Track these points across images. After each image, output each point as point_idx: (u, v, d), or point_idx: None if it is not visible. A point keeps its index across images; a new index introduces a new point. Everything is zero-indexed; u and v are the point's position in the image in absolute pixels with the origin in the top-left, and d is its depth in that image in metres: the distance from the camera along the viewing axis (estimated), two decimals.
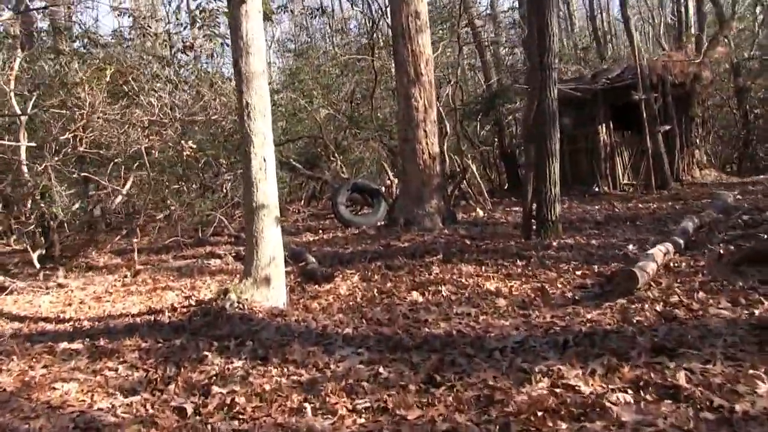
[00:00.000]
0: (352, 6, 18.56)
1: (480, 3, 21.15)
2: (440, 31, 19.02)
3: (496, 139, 21.69)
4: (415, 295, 6.70)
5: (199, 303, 7.21)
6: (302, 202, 20.66)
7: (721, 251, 6.99)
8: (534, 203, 9.28)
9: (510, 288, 6.60)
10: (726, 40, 18.21)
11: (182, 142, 9.87)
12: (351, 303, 6.65)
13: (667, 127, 16.24)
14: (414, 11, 11.09)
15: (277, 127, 21.04)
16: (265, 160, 6.08)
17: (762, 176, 17.63)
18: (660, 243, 7.13)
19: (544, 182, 9.06)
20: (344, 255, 9.92)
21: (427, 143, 11.28)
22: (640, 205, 12.98)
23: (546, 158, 9.04)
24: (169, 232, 13.69)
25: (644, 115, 15.39)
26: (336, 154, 16.22)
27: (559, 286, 6.54)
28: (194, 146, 10.01)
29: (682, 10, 24.50)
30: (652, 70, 16.11)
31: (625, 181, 17.42)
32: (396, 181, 13.93)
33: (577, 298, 5.97)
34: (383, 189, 14.20)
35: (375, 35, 16.41)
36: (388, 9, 12.32)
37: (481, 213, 13.11)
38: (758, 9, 22.87)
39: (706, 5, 19.42)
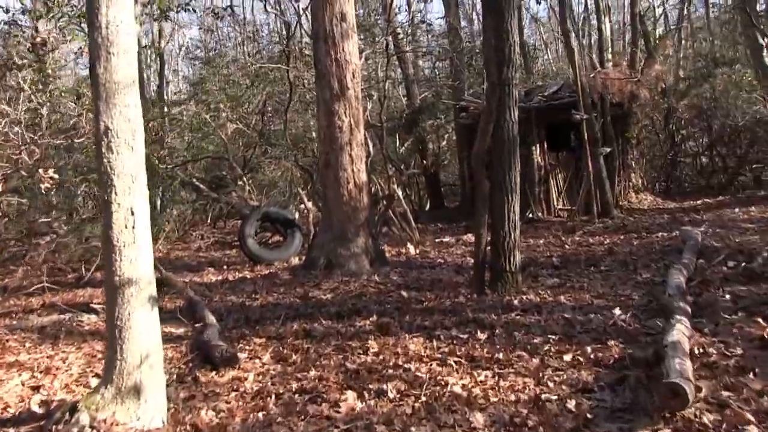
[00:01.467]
0: (265, 8, 16.34)
1: (399, 10, 19.13)
2: (361, 41, 17.18)
3: (418, 157, 19.94)
4: (351, 398, 4.69)
5: (46, 404, 5.03)
6: (207, 222, 18.44)
7: (750, 328, 5.29)
8: (486, 248, 7.46)
9: (484, 389, 4.68)
10: (661, 57, 16.95)
11: (39, 170, 7.52)
12: (261, 413, 4.59)
13: (608, 150, 14.80)
14: (339, 12, 9.15)
15: (183, 141, 19.14)
16: (133, 212, 3.97)
17: (698, 201, 16.48)
18: (672, 316, 5.37)
19: (502, 224, 7.26)
20: (252, 310, 7.89)
21: (353, 170, 9.34)
22: (590, 240, 11.41)
23: (504, 195, 7.25)
24: (40, 270, 11.30)
25: (585, 136, 13.88)
26: (243, 177, 14.03)
27: (550, 384, 4.67)
28: (55, 175, 7.69)
29: (603, 27, 23.52)
30: (593, 88, 14.64)
31: (560, 206, 15.94)
32: (312, 207, 11.90)
33: (588, 415, 4.09)
34: (298, 217, 12.14)
35: (290, 42, 14.37)
36: (308, 12, 10.26)
37: (412, 250, 11.21)
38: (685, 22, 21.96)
39: (641, 21, 18.19)
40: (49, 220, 9.83)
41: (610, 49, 25.36)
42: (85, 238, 12.47)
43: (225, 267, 11.77)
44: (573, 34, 13.87)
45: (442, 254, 11.01)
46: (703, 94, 18.05)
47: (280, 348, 6.12)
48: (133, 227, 3.94)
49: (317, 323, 6.83)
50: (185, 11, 11.80)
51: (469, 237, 12.74)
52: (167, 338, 6.90)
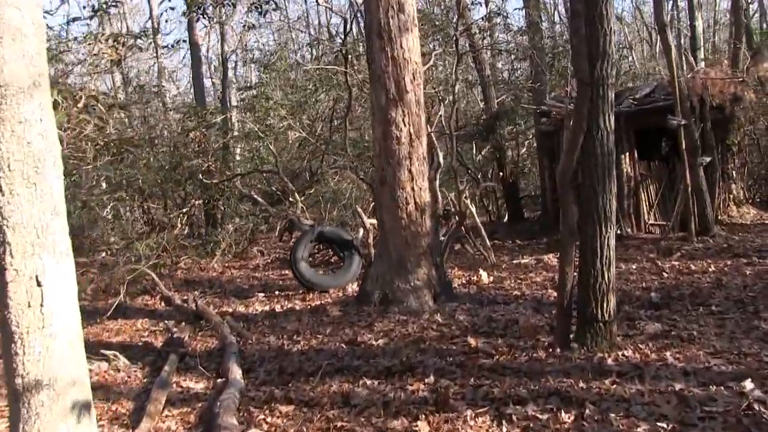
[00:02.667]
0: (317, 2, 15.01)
1: (474, 7, 17.53)
2: (431, 42, 15.75)
3: (495, 166, 18.31)
4: None
5: None
6: (274, 235, 17.26)
7: None
8: (572, 289, 5.92)
9: None
10: None
11: None
12: None
13: (708, 159, 12.93)
14: (396, 2, 7.73)
15: (243, 150, 18.16)
16: (39, 282, 2.61)
17: None
18: None
19: (593, 262, 5.70)
20: (290, 357, 6.59)
21: (413, 188, 7.90)
22: (692, 266, 9.63)
23: (598, 225, 5.69)
24: (84, 292, 10.31)
25: (682, 143, 12.07)
26: (295, 193, 12.74)
27: None
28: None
29: (696, 24, 21.49)
30: (692, 89, 12.79)
31: (652, 221, 14.11)
32: (373, 225, 10.51)
33: None
34: (358, 238, 10.76)
35: (346, 40, 13.03)
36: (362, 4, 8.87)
37: (485, 277, 9.67)
38: None
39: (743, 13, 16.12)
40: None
41: (702, 49, 23.27)
42: (135, 258, 11.49)
43: (277, 292, 10.50)
44: (669, 28, 12.07)
45: (519, 282, 9.44)
46: None
47: (309, 422, 4.75)
48: (41, 305, 2.60)
49: (361, 382, 5.45)
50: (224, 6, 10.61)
51: (551, 258, 11.14)
52: (181, 398, 5.66)
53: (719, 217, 13.97)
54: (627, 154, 13.89)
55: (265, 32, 28.68)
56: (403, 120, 7.81)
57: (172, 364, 6.48)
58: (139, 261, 10.94)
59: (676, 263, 10.03)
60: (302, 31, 23.41)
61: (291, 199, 12.21)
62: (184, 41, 17.81)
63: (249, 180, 16.76)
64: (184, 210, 15.27)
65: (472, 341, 6.29)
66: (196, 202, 15.69)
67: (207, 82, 24.45)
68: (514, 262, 11.56)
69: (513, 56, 17.44)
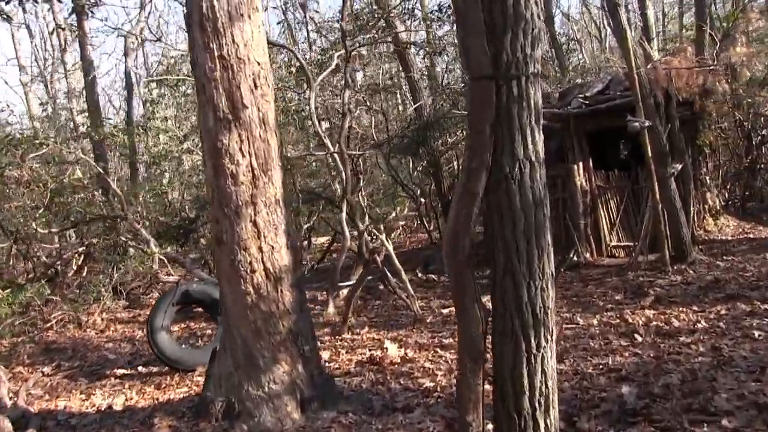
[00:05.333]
0: None
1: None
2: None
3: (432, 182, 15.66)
4: None
5: None
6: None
7: None
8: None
9: None
10: (741, 36, 12.39)
11: None
12: None
13: (679, 167, 10.39)
14: None
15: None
16: None
17: None
18: None
19: (515, 395, 3.04)
20: None
21: (261, 248, 5.16)
22: (673, 319, 7.06)
23: (522, 339, 3.04)
24: None
25: (647, 150, 9.55)
26: (153, 241, 9.92)
27: None
28: None
29: (648, 12, 19.24)
30: (654, 82, 10.22)
31: (614, 243, 11.57)
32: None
33: None
34: None
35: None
36: None
37: (393, 351, 6.95)
38: None
39: None
40: None
41: (655, 40, 20.97)
42: None
43: (140, 369, 7.84)
44: (623, 9, 9.51)
45: (437, 360, 6.73)
46: None
47: None
48: None
49: None
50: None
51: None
52: None
53: (695, 233, 11.46)
54: (580, 164, 11.39)
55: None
56: (241, 148, 5.09)
57: None
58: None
59: (651, 313, 7.46)
60: None
61: (148, 249, 9.34)
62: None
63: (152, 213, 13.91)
64: (78, 251, 12.45)
65: None
66: (91, 242, 12.78)
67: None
68: (444, 311, 8.91)
69: (435, 52, 14.67)
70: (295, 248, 5.47)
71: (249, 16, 5.19)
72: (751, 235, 11.92)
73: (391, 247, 9.39)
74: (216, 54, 5.08)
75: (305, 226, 17.74)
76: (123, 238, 11.17)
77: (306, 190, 15.32)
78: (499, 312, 3.09)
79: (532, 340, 3.03)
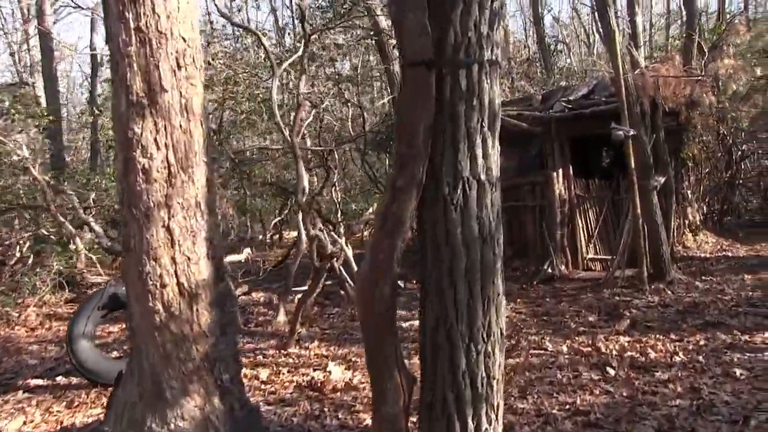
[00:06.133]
0: None
1: None
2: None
3: None
4: None
5: None
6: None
7: None
8: None
9: None
10: (731, 48, 11.63)
11: None
12: None
13: (662, 179, 9.63)
14: None
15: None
16: None
17: None
18: None
19: (451, 427, 2.23)
20: None
21: (174, 259, 4.28)
22: (649, 350, 6.28)
23: (455, 365, 2.20)
24: None
25: (631, 159, 8.78)
26: (77, 238, 8.96)
27: None
28: None
29: (636, 20, 18.45)
30: (641, 90, 9.43)
31: (591, 255, 10.80)
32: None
33: None
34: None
35: None
36: None
37: (336, 374, 6.10)
38: None
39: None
40: None
41: (642, 48, 20.26)
42: None
43: (60, 378, 6.92)
44: (612, 10, 8.69)
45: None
46: None
47: None
48: None
49: None
50: None
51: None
52: None
53: (674, 249, 10.73)
54: (560, 170, 10.58)
55: None
56: (156, 139, 4.21)
57: None
58: None
59: (626, 340, 6.70)
60: None
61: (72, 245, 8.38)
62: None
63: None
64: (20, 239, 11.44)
65: None
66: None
67: None
68: (405, 324, 8.08)
69: None
70: (218, 259, 4.59)
71: None
72: (729, 253, 11.24)
73: (350, 252, 8.54)
74: (132, 25, 4.19)
75: (275, 220, 16.91)
76: (44, 231, 10.12)
77: (275, 183, 14.45)
78: (429, 381, 2.26)
79: (470, 421, 2.20)
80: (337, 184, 19.01)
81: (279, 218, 16.35)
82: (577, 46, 32.25)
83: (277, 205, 16.68)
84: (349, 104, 15.50)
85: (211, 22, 15.72)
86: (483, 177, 2.15)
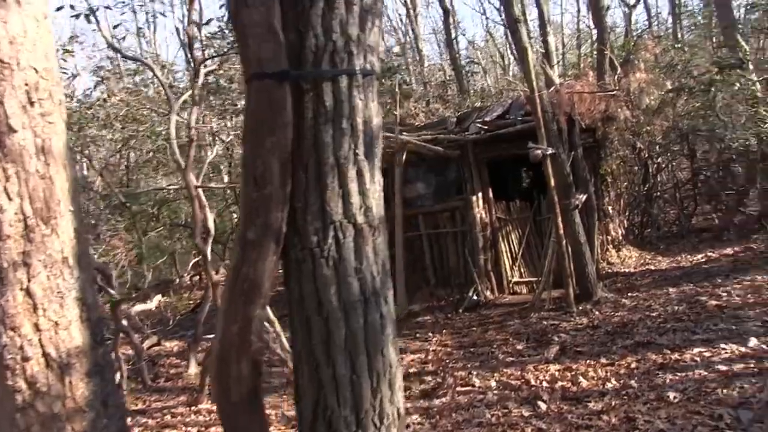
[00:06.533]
0: None
1: None
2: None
3: None
4: None
5: None
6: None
7: None
8: None
9: None
10: (642, 63, 11.62)
11: None
12: None
13: (583, 197, 9.41)
14: None
15: None
16: None
17: (699, 256, 11.20)
18: None
19: None
20: None
21: (38, 326, 3.65)
22: (581, 378, 5.92)
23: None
24: None
25: (551, 180, 8.51)
26: None
27: None
28: None
29: (548, 39, 18.60)
30: (557, 107, 9.22)
31: (517, 279, 10.50)
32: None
33: None
34: None
35: None
36: None
37: None
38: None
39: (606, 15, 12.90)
40: None
41: (556, 67, 20.45)
42: None
43: None
44: (523, 26, 8.45)
45: None
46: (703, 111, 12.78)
47: None
48: None
49: None
50: None
51: None
52: None
53: (599, 266, 10.53)
54: (480, 194, 10.27)
55: None
56: (5, 188, 3.58)
57: None
58: None
59: (556, 369, 6.32)
60: None
61: None
62: None
63: None
64: None
65: None
66: None
67: None
68: None
69: None
70: (93, 322, 3.97)
71: (18, 2, 3.71)
72: (652, 267, 11.11)
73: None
74: None
75: (194, 261, 16.10)
76: None
77: (184, 224, 13.73)
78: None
79: None
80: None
81: (197, 259, 15.58)
82: (493, 68, 32.60)
83: (193, 245, 15.91)
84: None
85: (111, 58, 14.91)
86: (361, 219, 1.67)
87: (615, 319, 7.88)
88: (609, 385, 5.64)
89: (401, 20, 30.61)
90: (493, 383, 6.16)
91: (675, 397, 5.06)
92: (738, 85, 11.19)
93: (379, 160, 1.75)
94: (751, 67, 11.44)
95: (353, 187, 1.67)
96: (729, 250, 11.07)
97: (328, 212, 1.63)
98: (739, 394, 4.83)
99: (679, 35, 19.24)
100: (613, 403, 5.20)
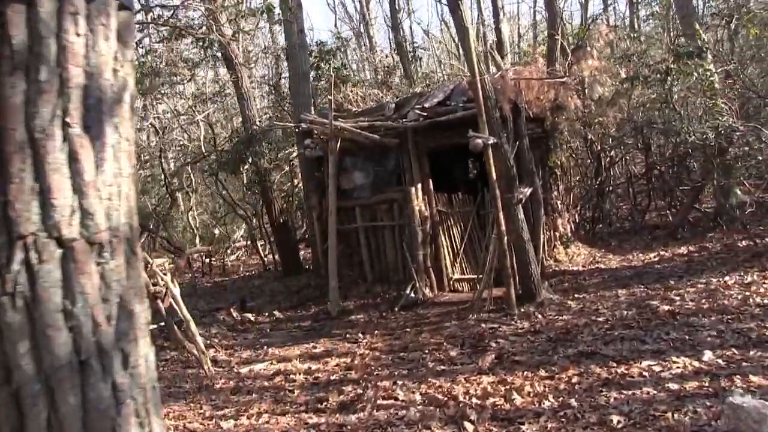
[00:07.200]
0: None
1: None
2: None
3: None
4: None
5: None
6: None
7: None
8: None
9: None
10: (594, 50, 11.12)
11: None
12: None
13: (528, 191, 8.88)
14: None
15: None
16: None
17: (652, 255, 10.81)
18: None
19: None
20: None
21: None
22: (515, 396, 5.34)
23: None
24: None
25: (492, 172, 7.95)
26: None
27: None
28: None
29: (502, 27, 18.26)
30: (501, 93, 8.65)
31: (458, 276, 9.95)
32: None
33: None
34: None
35: None
36: None
37: None
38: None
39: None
40: None
41: (509, 55, 20.03)
42: None
43: None
44: (464, 4, 7.82)
45: None
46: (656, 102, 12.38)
47: None
48: None
49: None
50: None
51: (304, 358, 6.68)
52: None
53: (545, 262, 10.05)
54: (419, 185, 9.66)
55: None
56: None
57: None
58: None
59: (489, 382, 5.74)
60: None
61: None
62: None
63: None
64: None
65: None
66: None
67: None
68: (244, 370, 6.89)
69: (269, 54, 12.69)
70: None
71: None
72: (602, 266, 10.64)
73: (177, 290, 7.27)
74: None
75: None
76: None
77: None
78: None
79: None
80: (195, 208, 17.57)
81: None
82: (447, 59, 32.16)
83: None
84: (199, 123, 14.24)
85: None
86: (72, 233, 1.01)
87: (558, 323, 7.34)
88: (546, 404, 5.06)
89: (356, 8, 29.96)
90: (417, 396, 5.54)
91: (619, 422, 4.48)
92: (696, 75, 10.77)
93: (121, 138, 1.11)
94: (710, 57, 11.03)
95: (58, 179, 1.01)
96: (683, 249, 10.69)
97: (14, 220, 0.97)
98: (691, 420, 4.29)
99: (636, 26, 18.91)
100: (548, 426, 4.64)
